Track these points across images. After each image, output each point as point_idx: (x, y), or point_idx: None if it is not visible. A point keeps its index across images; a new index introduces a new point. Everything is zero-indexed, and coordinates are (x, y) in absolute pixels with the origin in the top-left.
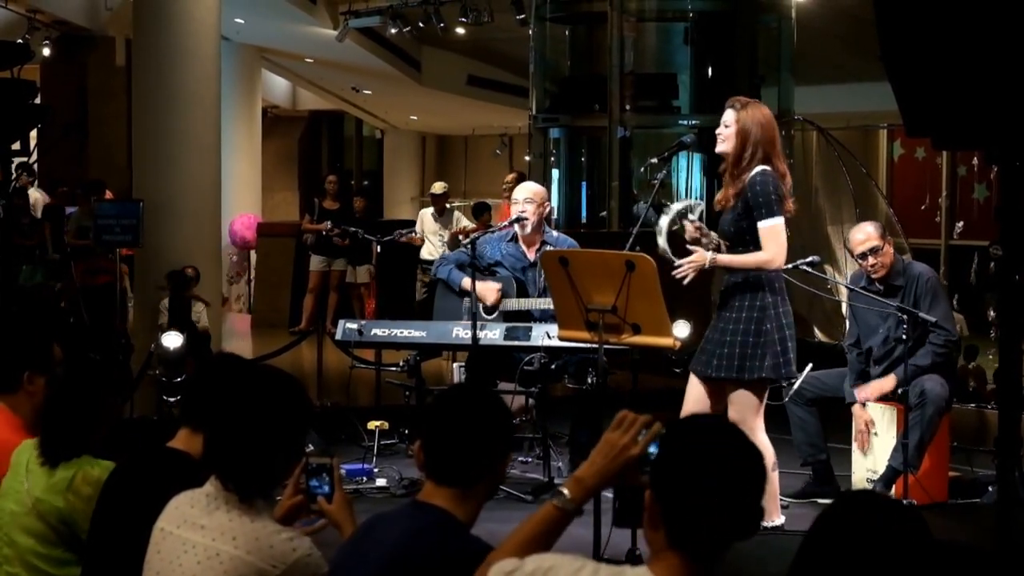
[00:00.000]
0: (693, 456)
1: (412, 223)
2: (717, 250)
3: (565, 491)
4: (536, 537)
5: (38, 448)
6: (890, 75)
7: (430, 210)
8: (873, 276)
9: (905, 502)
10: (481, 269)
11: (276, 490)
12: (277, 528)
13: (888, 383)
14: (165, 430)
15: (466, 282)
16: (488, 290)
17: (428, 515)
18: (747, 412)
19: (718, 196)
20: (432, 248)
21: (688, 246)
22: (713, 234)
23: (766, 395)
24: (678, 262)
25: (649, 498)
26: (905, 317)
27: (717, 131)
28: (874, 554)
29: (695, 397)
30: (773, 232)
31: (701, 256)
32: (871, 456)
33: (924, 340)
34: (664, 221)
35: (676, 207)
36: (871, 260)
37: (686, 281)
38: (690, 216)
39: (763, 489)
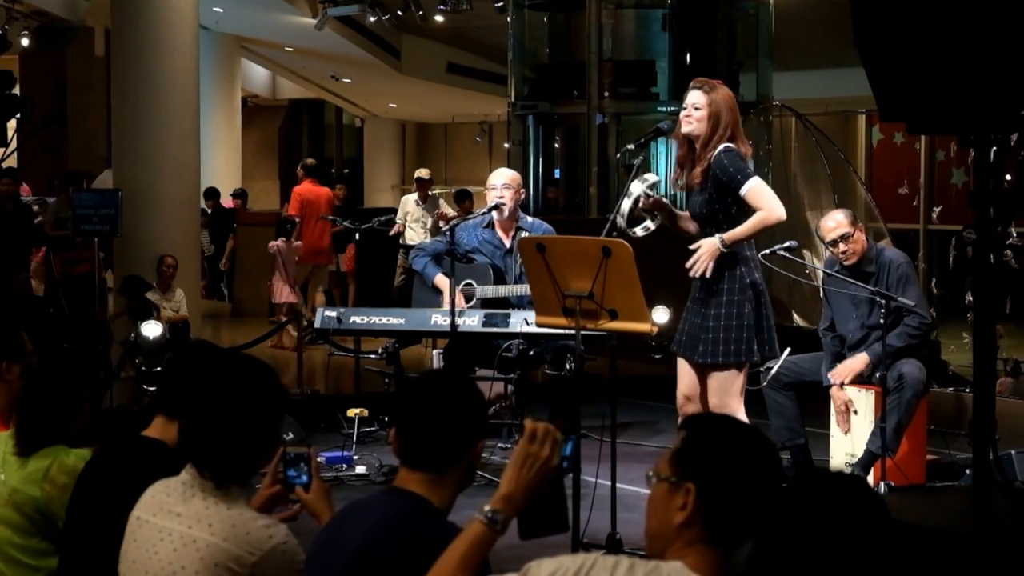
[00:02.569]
0: (742, 461)
1: (391, 210)
2: (670, 217)
3: (491, 509)
4: (472, 558)
5: (13, 439)
6: (864, 60)
7: (413, 196)
8: (844, 263)
9: (882, 485)
10: (459, 257)
11: (253, 477)
12: (254, 515)
13: (859, 362)
14: (143, 419)
15: (439, 280)
16: (457, 299)
17: (403, 501)
18: (729, 397)
19: (675, 177)
20: (414, 234)
21: (688, 243)
22: (665, 201)
23: (746, 379)
24: (692, 259)
25: (690, 496)
26: (883, 302)
27: (684, 113)
28: (830, 530)
29: (692, 375)
30: (758, 191)
31: (710, 244)
32: (850, 440)
33: (898, 323)
34: (637, 187)
35: (649, 179)
36: (841, 247)
37: (708, 273)
38: (649, 189)
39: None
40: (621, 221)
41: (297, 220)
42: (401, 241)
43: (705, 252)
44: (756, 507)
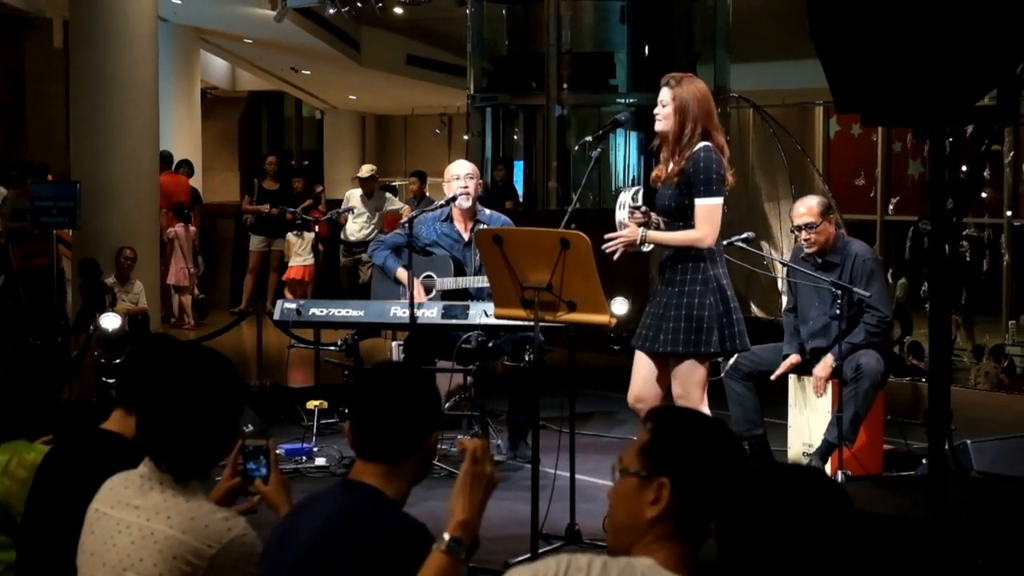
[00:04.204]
0: (714, 455)
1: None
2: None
3: (452, 537)
4: None
5: None
6: (820, 52)
7: (358, 191)
8: (806, 250)
9: (840, 474)
10: (418, 250)
11: (212, 470)
12: (212, 508)
13: (823, 370)
14: (103, 412)
15: (400, 273)
16: (417, 293)
17: (358, 493)
18: (692, 388)
19: (654, 173)
20: (356, 228)
21: (622, 221)
22: (653, 215)
23: (709, 370)
24: (608, 236)
25: (664, 491)
26: (840, 293)
27: (655, 111)
28: (792, 523)
29: (644, 375)
30: (710, 211)
31: (633, 232)
32: (807, 430)
33: (859, 318)
34: (626, 196)
35: (631, 190)
36: (804, 234)
37: (616, 256)
38: (634, 201)
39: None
40: (624, 216)
41: (190, 207)
42: (342, 236)
43: (625, 237)
44: (725, 501)
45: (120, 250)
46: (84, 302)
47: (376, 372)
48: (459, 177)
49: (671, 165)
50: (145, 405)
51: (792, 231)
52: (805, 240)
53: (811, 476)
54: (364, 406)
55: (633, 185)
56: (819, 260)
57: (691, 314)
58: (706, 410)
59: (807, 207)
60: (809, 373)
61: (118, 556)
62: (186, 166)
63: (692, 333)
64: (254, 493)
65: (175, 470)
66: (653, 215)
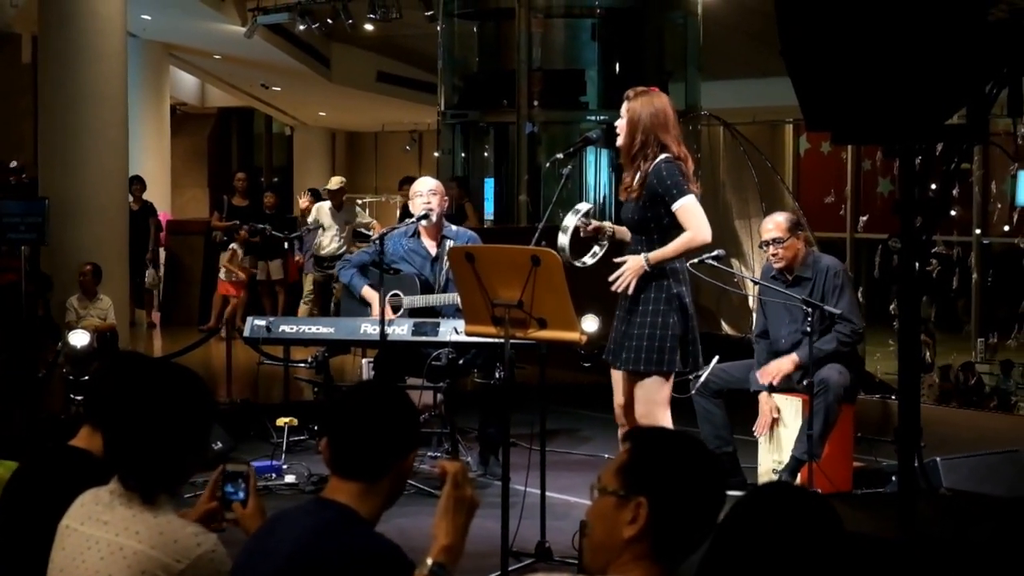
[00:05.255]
0: (692, 474)
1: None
2: (612, 238)
3: (436, 563)
4: None
5: None
6: (790, 70)
7: (327, 204)
8: (774, 265)
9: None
10: (386, 268)
11: (182, 486)
12: (182, 523)
13: (788, 363)
14: (71, 429)
15: (366, 291)
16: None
17: (330, 512)
18: (654, 406)
19: (623, 187)
20: (326, 243)
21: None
22: (606, 224)
23: (671, 388)
24: (616, 273)
25: (641, 510)
26: (810, 310)
27: (615, 123)
28: (785, 543)
29: (623, 389)
30: (689, 210)
31: (636, 261)
32: (777, 447)
33: (830, 330)
34: (571, 220)
35: (581, 208)
36: (772, 249)
37: (631, 290)
38: (584, 218)
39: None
40: (566, 257)
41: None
42: (313, 251)
43: (629, 269)
44: (704, 522)
45: (80, 267)
46: (29, 315)
47: (357, 391)
48: (422, 194)
49: (632, 177)
50: (113, 422)
51: (760, 246)
52: (772, 255)
53: (798, 497)
54: (345, 424)
55: (585, 204)
56: (789, 277)
57: (654, 332)
58: (670, 427)
59: (775, 223)
60: (779, 390)
61: (87, 572)
62: (138, 182)
63: (654, 352)
64: (232, 517)
65: (143, 487)
66: (606, 224)
